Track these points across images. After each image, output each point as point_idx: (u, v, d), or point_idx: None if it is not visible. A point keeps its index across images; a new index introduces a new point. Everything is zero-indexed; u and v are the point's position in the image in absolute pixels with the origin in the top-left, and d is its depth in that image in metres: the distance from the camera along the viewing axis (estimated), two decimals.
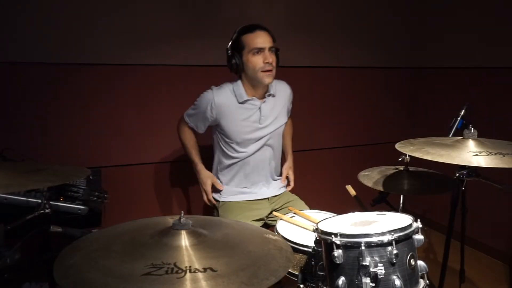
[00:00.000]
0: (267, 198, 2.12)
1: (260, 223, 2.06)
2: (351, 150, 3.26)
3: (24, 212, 1.41)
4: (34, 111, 2.31)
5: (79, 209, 1.63)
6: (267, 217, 2.11)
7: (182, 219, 1.08)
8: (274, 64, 1.89)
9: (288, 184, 2.22)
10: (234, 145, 2.00)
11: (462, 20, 2.94)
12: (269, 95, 2.00)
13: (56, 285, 0.90)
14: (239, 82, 1.96)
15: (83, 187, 1.71)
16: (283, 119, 2.10)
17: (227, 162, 2.05)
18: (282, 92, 2.10)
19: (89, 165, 2.22)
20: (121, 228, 1.18)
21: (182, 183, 2.76)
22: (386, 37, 3.22)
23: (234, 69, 1.93)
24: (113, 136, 2.50)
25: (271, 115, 2.02)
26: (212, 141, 2.11)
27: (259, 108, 1.97)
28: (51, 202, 1.50)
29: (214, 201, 2.10)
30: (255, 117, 1.98)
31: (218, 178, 2.12)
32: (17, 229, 1.35)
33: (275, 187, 2.16)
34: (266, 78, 1.88)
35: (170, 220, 1.13)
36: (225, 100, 1.93)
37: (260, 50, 1.85)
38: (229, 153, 2.03)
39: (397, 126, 3.39)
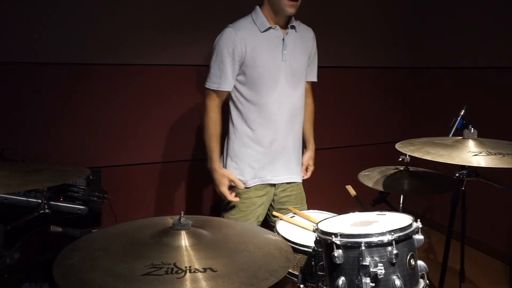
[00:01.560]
0: (274, 184, 1.94)
1: (263, 210, 1.94)
2: (351, 150, 3.26)
3: (24, 212, 1.41)
4: (34, 111, 2.31)
5: (79, 209, 1.63)
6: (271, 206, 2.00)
7: (182, 219, 1.08)
8: None
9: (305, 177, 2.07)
10: (252, 90, 1.78)
11: (462, 20, 2.95)
12: (292, 26, 1.83)
13: (56, 285, 0.90)
14: (258, 9, 1.79)
15: (83, 187, 1.71)
16: (304, 62, 1.92)
17: (244, 119, 1.82)
18: (306, 32, 1.94)
19: (89, 165, 2.22)
20: (121, 228, 1.18)
21: (182, 183, 2.76)
22: (386, 37, 3.22)
23: None
24: (113, 136, 2.50)
25: (294, 52, 1.83)
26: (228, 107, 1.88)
27: (283, 39, 1.79)
28: (51, 202, 1.50)
29: (238, 199, 1.85)
30: (278, 50, 1.79)
31: (232, 166, 1.87)
32: (17, 229, 1.35)
33: (293, 173, 1.95)
34: (290, 8, 1.70)
35: (170, 220, 1.13)
36: (247, 32, 1.74)
37: None
38: (246, 102, 1.79)
39: (397, 126, 3.39)
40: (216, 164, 1.82)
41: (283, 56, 1.79)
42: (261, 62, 1.75)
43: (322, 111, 3.13)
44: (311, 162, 2.12)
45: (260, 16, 1.77)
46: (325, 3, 2.93)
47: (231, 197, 1.83)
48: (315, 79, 2.08)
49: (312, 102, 2.15)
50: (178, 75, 2.61)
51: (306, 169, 2.13)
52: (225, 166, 1.90)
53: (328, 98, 3.10)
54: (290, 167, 1.95)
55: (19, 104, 2.28)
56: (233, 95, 1.82)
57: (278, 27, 1.79)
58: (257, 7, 1.79)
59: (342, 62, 3.10)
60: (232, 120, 1.86)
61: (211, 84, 1.77)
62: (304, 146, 2.13)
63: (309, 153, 2.13)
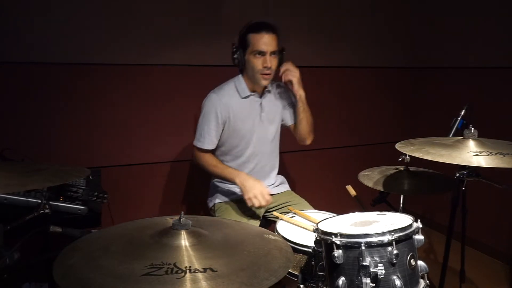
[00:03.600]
0: None
1: (257, 222, 2.04)
2: (351, 150, 3.26)
3: (24, 212, 1.40)
4: (34, 111, 2.31)
5: (79, 209, 1.63)
6: (264, 215, 2.11)
7: (182, 219, 1.08)
8: (273, 68, 1.91)
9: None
10: (230, 146, 2.04)
11: (462, 20, 2.94)
12: (267, 90, 2.04)
13: (56, 285, 0.90)
14: (241, 77, 2.00)
15: (83, 187, 1.70)
16: (279, 119, 2.12)
17: (224, 160, 2.08)
18: (279, 89, 2.12)
19: (89, 165, 2.21)
20: (121, 228, 1.18)
21: (182, 183, 2.76)
22: (386, 37, 3.21)
23: (236, 64, 1.96)
24: (113, 136, 2.50)
25: (270, 112, 2.06)
26: None
27: (260, 104, 2.02)
28: (50, 202, 1.50)
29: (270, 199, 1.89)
30: (256, 113, 2.02)
31: (216, 189, 2.15)
32: (17, 229, 1.35)
33: (272, 185, 2.16)
34: (263, 81, 1.93)
35: (170, 220, 1.13)
36: (229, 99, 1.96)
37: (261, 53, 1.87)
38: (224, 153, 2.07)
39: (397, 126, 3.39)
40: (242, 173, 1.93)
41: (261, 117, 2.03)
42: (241, 125, 1.99)
43: (322, 111, 3.14)
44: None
45: (241, 83, 1.98)
46: (325, 3, 2.93)
47: (267, 195, 1.86)
48: None
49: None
50: (179, 75, 2.61)
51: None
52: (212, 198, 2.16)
53: (328, 98, 3.10)
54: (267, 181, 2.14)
55: (19, 104, 2.27)
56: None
57: (256, 93, 2.02)
58: (240, 75, 2.01)
59: (342, 62, 3.09)
60: None
61: (196, 142, 2.01)
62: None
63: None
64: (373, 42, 3.16)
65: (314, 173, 3.08)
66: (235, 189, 2.07)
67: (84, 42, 2.34)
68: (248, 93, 1.98)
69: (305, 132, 2.14)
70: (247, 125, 2.01)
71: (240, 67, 1.98)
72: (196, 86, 2.59)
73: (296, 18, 2.85)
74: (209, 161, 2.00)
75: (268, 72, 1.89)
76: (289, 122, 2.17)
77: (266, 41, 1.85)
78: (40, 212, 1.42)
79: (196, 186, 2.75)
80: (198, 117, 2.03)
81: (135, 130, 2.55)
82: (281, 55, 1.96)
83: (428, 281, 1.18)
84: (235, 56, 1.92)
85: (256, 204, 1.84)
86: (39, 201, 1.47)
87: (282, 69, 1.99)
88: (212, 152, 2.04)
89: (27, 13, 2.20)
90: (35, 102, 2.30)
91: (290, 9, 2.82)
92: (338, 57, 3.07)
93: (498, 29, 2.69)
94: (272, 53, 1.88)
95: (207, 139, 1.97)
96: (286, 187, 2.24)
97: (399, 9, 3.21)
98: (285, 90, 2.14)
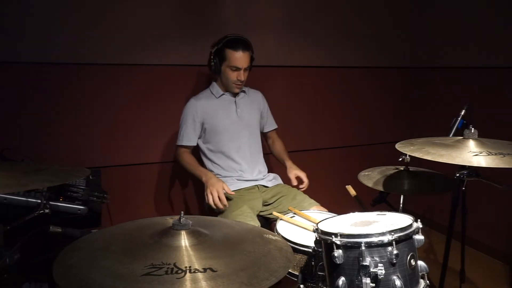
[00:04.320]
0: (256, 186, 2.23)
1: (254, 212, 2.09)
2: (351, 150, 3.26)
3: (23, 212, 1.40)
4: (34, 111, 2.30)
5: (79, 209, 1.63)
6: (263, 215, 2.18)
7: (182, 219, 1.08)
8: (245, 79, 2.17)
9: (301, 183, 2.22)
10: (216, 141, 2.22)
11: (462, 20, 2.94)
12: (242, 91, 2.29)
13: (56, 285, 0.89)
14: (214, 83, 2.26)
15: (82, 187, 1.70)
16: (257, 117, 2.35)
17: (213, 161, 2.25)
18: (255, 95, 2.38)
19: (89, 165, 2.22)
20: (121, 228, 1.18)
21: (182, 183, 2.76)
22: (386, 37, 3.21)
23: (212, 70, 2.18)
24: (113, 136, 2.50)
25: (246, 110, 2.28)
26: (199, 154, 2.31)
27: (235, 101, 2.26)
28: (50, 202, 1.50)
29: (221, 205, 1.98)
30: (232, 109, 2.24)
31: None
32: (16, 229, 1.35)
33: (263, 178, 2.29)
34: (236, 89, 2.21)
35: (170, 220, 1.13)
36: (205, 100, 2.22)
37: (237, 68, 2.11)
38: (214, 150, 2.23)
39: (397, 126, 3.39)
40: (209, 173, 2.10)
41: (238, 113, 2.25)
42: (218, 121, 2.20)
43: (322, 111, 3.14)
44: (297, 171, 2.24)
45: (215, 87, 2.25)
46: (325, 3, 2.93)
47: (218, 202, 1.97)
48: (275, 126, 2.50)
49: (280, 140, 2.50)
50: (179, 75, 2.61)
51: (298, 179, 2.23)
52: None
53: (328, 98, 3.10)
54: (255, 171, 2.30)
55: (19, 104, 2.27)
56: (202, 147, 2.26)
57: (230, 93, 2.26)
58: (214, 82, 2.27)
59: (341, 62, 3.09)
60: (205, 165, 2.27)
61: (177, 141, 2.25)
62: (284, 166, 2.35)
63: (289, 164, 2.30)
64: (373, 42, 3.16)
65: (314, 173, 3.07)
66: (230, 182, 2.19)
67: (84, 42, 2.34)
68: (222, 92, 2.24)
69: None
70: (225, 121, 2.21)
71: (216, 74, 2.20)
72: (196, 86, 2.59)
73: (296, 18, 2.85)
74: (186, 159, 2.20)
75: (240, 83, 2.17)
76: (262, 130, 2.44)
77: (242, 59, 2.10)
78: (40, 212, 1.42)
79: (196, 186, 2.75)
80: None
81: (135, 130, 2.55)
82: (251, 61, 2.19)
83: (428, 281, 1.18)
84: (212, 63, 2.15)
85: (210, 200, 1.96)
86: (39, 201, 1.47)
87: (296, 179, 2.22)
88: (192, 152, 2.24)
89: (27, 14, 2.20)
90: (35, 102, 2.30)
91: (289, 9, 2.82)
92: (337, 57, 3.06)
93: (498, 29, 2.69)
94: (245, 68, 2.14)
95: (185, 137, 2.20)
96: (278, 181, 2.36)
97: (400, 9, 3.21)
98: (262, 97, 2.41)
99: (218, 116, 2.21)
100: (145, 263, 0.93)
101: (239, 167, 2.24)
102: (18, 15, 2.19)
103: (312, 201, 2.13)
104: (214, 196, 1.94)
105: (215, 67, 2.15)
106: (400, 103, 3.40)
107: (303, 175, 2.21)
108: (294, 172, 2.22)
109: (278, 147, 2.46)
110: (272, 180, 2.31)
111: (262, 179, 2.28)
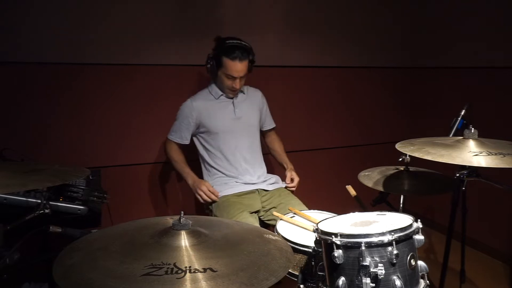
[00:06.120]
0: (257, 190, 2.22)
1: (255, 217, 2.09)
2: (351, 150, 3.26)
3: (23, 212, 1.40)
4: (34, 111, 2.30)
5: (79, 209, 1.63)
6: (261, 213, 2.18)
7: (182, 219, 1.08)
8: (240, 87, 2.18)
9: (292, 186, 2.29)
10: (215, 142, 2.22)
11: (462, 20, 2.94)
12: (241, 91, 2.28)
13: (56, 285, 0.89)
14: (213, 84, 2.25)
15: (82, 187, 1.70)
16: (256, 116, 2.34)
17: (213, 162, 2.25)
18: (254, 93, 2.37)
19: (89, 165, 2.22)
20: (121, 228, 1.18)
21: (182, 183, 2.75)
22: (385, 37, 3.21)
23: (209, 73, 2.20)
24: (112, 136, 2.50)
25: (245, 110, 2.27)
26: (198, 155, 2.32)
27: (232, 102, 2.25)
28: (50, 202, 1.50)
29: (214, 196, 2.11)
30: (230, 109, 2.24)
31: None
32: (16, 229, 1.35)
33: (263, 181, 2.28)
34: (230, 94, 2.22)
35: (170, 220, 1.13)
36: (202, 101, 2.22)
37: (232, 77, 2.11)
38: (213, 151, 2.24)
39: (397, 126, 3.39)
40: (191, 174, 2.18)
41: (236, 113, 2.24)
42: (216, 122, 2.20)
43: (322, 111, 3.14)
44: (293, 173, 2.31)
45: (214, 88, 2.24)
46: (325, 3, 2.93)
47: (209, 191, 2.09)
48: (273, 124, 2.49)
49: (279, 139, 2.52)
50: (178, 75, 2.61)
51: (292, 181, 2.29)
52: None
53: (328, 98, 3.10)
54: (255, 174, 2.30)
55: (19, 104, 2.27)
56: (201, 146, 2.27)
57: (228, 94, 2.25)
58: (213, 83, 2.25)
59: (341, 62, 3.09)
60: (205, 166, 2.31)
61: (170, 136, 2.27)
62: (282, 167, 2.41)
63: (289, 167, 2.35)
64: (373, 42, 3.16)
65: (314, 173, 3.09)
66: (231, 184, 2.20)
67: (84, 42, 2.34)
68: (220, 93, 2.23)
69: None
70: (223, 122, 2.21)
71: (212, 77, 2.22)
72: (196, 86, 2.59)
73: (296, 18, 2.85)
74: (174, 156, 2.25)
75: (235, 90, 2.17)
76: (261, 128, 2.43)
77: (238, 69, 2.09)
78: (40, 212, 1.42)
79: None
80: None
81: (135, 130, 2.55)
82: (250, 65, 2.17)
83: (428, 281, 1.18)
84: (208, 66, 2.15)
85: (204, 196, 2.07)
86: (39, 201, 1.47)
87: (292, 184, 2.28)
88: (182, 149, 2.27)
89: (27, 14, 2.19)
90: (35, 102, 2.30)
91: (289, 8, 2.82)
92: (337, 57, 3.06)
93: (498, 29, 2.69)
94: (242, 77, 2.13)
95: (177, 133, 2.23)
96: (279, 184, 2.34)
97: (400, 10, 3.21)
98: (261, 96, 2.40)
99: (216, 117, 2.20)
100: (145, 263, 0.93)
101: (238, 167, 2.24)
102: (18, 15, 2.18)
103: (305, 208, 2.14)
104: (205, 192, 2.07)
105: (212, 70, 2.16)
106: (400, 103, 3.40)
107: (296, 180, 2.28)
108: (292, 174, 2.29)
109: (277, 147, 2.47)
110: (273, 183, 2.30)
111: (263, 182, 2.27)
